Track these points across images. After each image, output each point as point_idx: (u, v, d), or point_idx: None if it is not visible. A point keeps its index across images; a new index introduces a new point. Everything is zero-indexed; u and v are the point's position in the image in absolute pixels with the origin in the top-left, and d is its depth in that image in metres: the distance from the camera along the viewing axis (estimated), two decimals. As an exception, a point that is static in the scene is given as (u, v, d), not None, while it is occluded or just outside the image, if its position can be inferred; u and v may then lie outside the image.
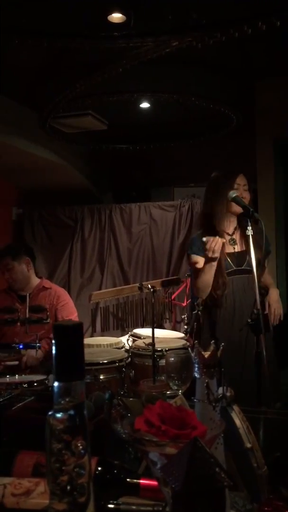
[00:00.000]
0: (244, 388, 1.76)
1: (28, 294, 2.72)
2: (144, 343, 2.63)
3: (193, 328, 2.82)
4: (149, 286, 2.71)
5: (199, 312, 2.63)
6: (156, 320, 2.88)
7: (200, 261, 2.48)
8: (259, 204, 4.03)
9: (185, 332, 3.43)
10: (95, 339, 3.13)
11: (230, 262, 2.50)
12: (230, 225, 2.58)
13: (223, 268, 2.46)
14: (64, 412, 0.72)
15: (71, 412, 0.72)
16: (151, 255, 5.28)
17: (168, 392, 1.47)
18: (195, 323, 2.72)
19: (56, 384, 0.73)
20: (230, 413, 0.99)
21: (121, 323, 4.23)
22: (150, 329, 2.53)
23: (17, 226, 5.56)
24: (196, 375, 1.05)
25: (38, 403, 1.48)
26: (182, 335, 3.17)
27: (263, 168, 4.26)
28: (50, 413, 0.73)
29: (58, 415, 0.72)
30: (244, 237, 2.52)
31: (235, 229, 2.59)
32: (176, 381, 1.48)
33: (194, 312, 2.79)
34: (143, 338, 2.83)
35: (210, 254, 2.34)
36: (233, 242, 2.56)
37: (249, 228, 2.25)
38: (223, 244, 2.42)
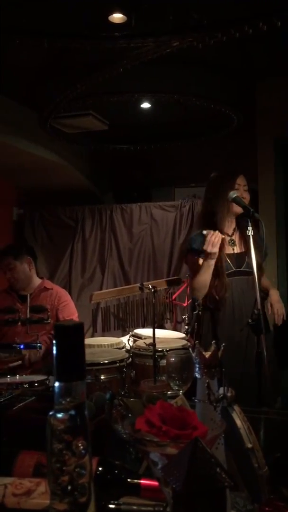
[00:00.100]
0: (245, 388, 1.76)
1: (29, 294, 2.72)
2: (145, 343, 2.63)
3: (194, 328, 2.82)
4: (150, 286, 2.71)
5: (200, 313, 2.63)
6: (156, 320, 2.87)
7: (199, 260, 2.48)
8: (259, 204, 4.03)
9: (186, 332, 3.43)
10: (96, 339, 3.14)
11: (230, 263, 2.50)
12: (230, 226, 2.58)
13: (224, 269, 2.46)
14: (65, 412, 0.72)
15: (72, 412, 0.72)
16: (152, 255, 5.27)
17: (169, 392, 1.47)
18: (196, 323, 2.72)
19: (57, 384, 0.73)
20: (231, 413, 0.98)
21: (122, 323, 4.22)
22: (151, 329, 2.53)
23: (18, 226, 5.55)
24: (197, 375, 1.05)
25: (39, 403, 1.49)
26: (183, 335, 3.17)
27: (263, 168, 4.26)
28: (51, 413, 0.73)
29: (59, 415, 0.72)
30: (243, 238, 2.52)
31: (234, 230, 2.59)
32: (177, 381, 1.48)
33: (194, 313, 2.79)
34: (144, 338, 2.82)
35: (209, 248, 2.34)
36: (232, 243, 2.56)
37: (250, 228, 2.24)
38: (223, 245, 2.41)
